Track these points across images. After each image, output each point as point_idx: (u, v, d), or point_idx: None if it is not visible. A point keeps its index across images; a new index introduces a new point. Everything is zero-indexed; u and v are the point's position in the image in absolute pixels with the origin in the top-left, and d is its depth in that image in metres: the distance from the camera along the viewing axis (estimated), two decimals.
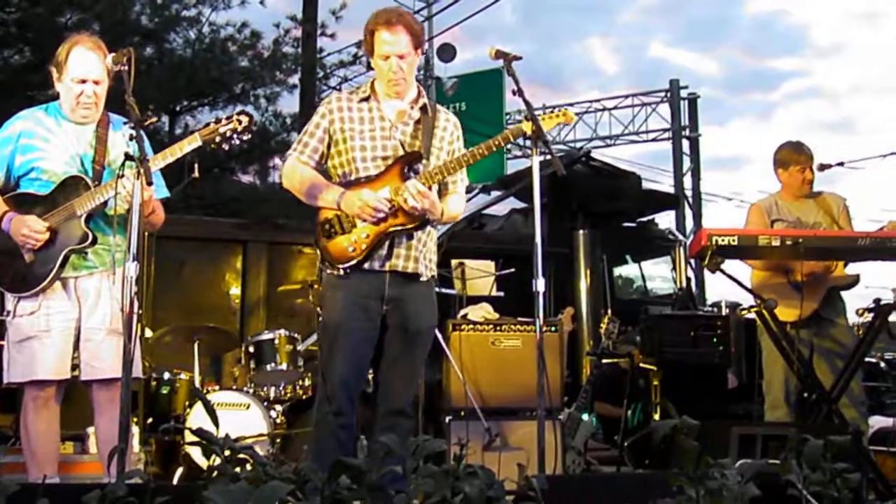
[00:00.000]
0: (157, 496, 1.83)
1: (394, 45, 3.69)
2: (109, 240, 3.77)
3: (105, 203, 3.69)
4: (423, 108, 3.83)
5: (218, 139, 3.67)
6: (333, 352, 3.69)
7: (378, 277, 3.68)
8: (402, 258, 3.70)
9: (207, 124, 3.73)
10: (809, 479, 2.24)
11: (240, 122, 3.69)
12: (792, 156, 5.28)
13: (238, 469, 1.89)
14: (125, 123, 3.41)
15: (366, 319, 3.67)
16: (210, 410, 2.11)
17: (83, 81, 3.76)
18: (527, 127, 3.69)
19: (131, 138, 3.26)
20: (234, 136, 3.68)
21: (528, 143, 3.84)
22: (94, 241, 3.71)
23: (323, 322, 3.82)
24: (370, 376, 4.10)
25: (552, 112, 3.83)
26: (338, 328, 3.68)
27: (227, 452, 1.90)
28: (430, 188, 3.67)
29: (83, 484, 2.77)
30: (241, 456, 1.91)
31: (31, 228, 3.65)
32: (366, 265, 3.67)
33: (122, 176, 3.44)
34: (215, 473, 1.88)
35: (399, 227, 3.67)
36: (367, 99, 3.81)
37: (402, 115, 3.81)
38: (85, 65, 3.76)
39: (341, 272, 3.68)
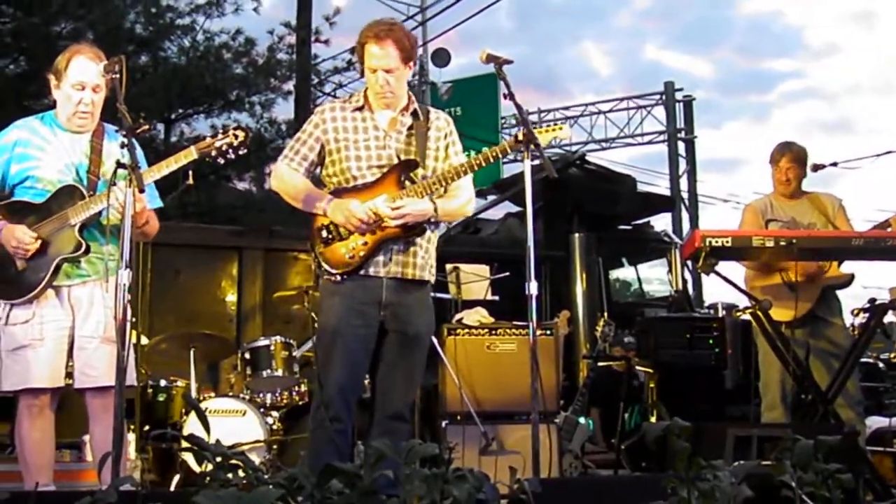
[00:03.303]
0: (149, 503, 1.83)
1: (381, 59, 3.70)
2: (103, 249, 3.76)
3: (99, 213, 3.68)
4: (414, 114, 3.83)
5: (214, 153, 3.70)
6: (330, 358, 3.68)
7: (376, 283, 3.68)
8: (401, 265, 3.70)
9: (204, 137, 3.75)
10: (803, 479, 2.24)
11: (236, 136, 3.72)
12: (777, 153, 5.31)
13: (231, 475, 1.89)
14: (117, 131, 3.42)
15: (362, 325, 3.66)
16: (201, 417, 2.10)
17: (83, 87, 3.77)
18: (522, 136, 3.71)
19: (122, 146, 3.28)
20: (230, 150, 3.71)
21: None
22: (88, 251, 3.71)
23: (320, 328, 3.81)
24: (367, 382, 4.10)
25: (549, 126, 3.92)
26: (334, 334, 3.67)
27: (218, 459, 1.89)
28: (424, 196, 3.67)
29: (74, 491, 2.76)
30: (234, 462, 1.91)
31: (19, 239, 3.65)
32: (362, 271, 3.67)
33: (115, 184, 3.46)
34: (207, 480, 1.88)
35: (397, 235, 3.67)
36: (360, 108, 3.82)
37: (394, 123, 3.82)
38: (85, 71, 3.76)
39: (338, 278, 3.68)
